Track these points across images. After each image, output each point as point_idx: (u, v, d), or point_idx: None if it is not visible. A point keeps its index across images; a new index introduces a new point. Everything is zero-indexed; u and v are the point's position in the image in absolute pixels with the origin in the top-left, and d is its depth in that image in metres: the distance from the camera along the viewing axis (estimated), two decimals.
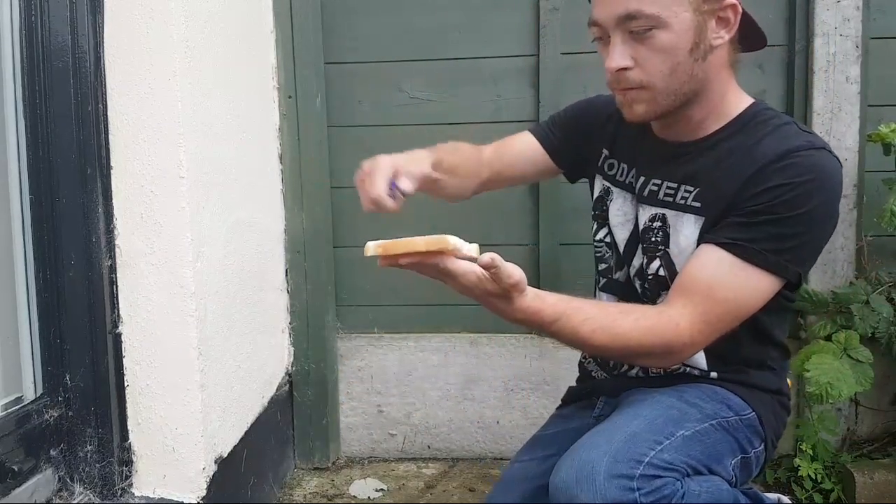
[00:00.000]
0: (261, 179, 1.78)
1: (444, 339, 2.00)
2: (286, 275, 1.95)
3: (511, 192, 1.96)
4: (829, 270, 1.85)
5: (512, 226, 1.97)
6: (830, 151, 1.07)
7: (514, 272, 0.92)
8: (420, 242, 0.89)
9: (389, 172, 1.13)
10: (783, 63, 1.86)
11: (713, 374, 1.18)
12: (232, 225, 1.54)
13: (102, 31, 1.26)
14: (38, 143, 1.25)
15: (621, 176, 1.27)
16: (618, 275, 1.26)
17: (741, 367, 1.17)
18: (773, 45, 1.86)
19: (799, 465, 1.74)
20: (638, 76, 1.07)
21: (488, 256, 0.89)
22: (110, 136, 1.29)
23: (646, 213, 1.19)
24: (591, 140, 1.34)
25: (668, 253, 1.16)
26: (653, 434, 1.03)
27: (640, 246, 1.21)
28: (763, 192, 1.04)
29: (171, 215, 1.31)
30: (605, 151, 1.31)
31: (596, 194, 1.33)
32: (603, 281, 1.31)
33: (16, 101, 1.23)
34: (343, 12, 1.93)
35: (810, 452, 1.75)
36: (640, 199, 1.20)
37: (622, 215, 1.26)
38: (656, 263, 1.17)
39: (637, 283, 1.22)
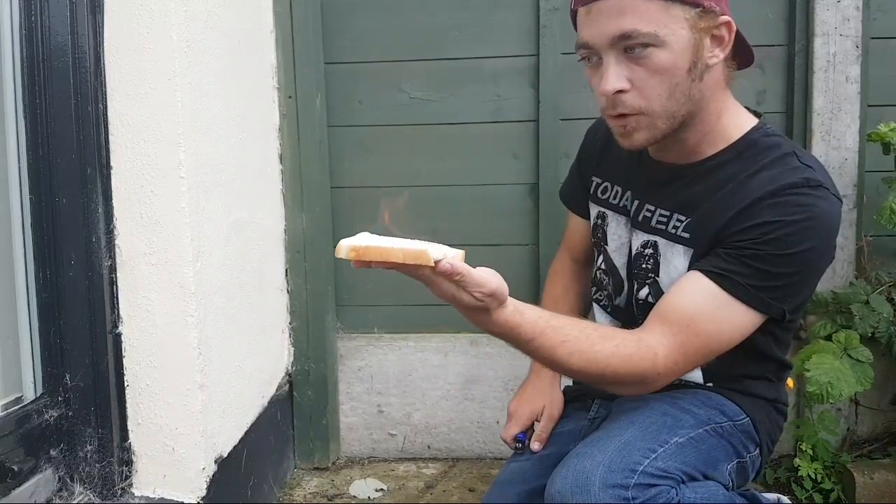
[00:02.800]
0: (261, 179, 1.78)
1: (444, 339, 2.00)
2: (286, 275, 1.95)
3: (511, 192, 1.96)
4: (829, 270, 1.85)
5: (512, 226, 1.97)
6: (829, 189, 1.02)
7: (487, 282, 0.87)
8: (398, 253, 0.83)
9: (526, 423, 1.33)
10: (783, 63, 1.86)
11: (709, 385, 1.18)
12: (232, 225, 1.54)
13: (102, 31, 1.26)
14: (38, 143, 1.25)
15: (615, 199, 1.24)
16: (618, 300, 1.24)
17: (739, 379, 1.17)
18: (773, 45, 1.86)
19: (799, 465, 1.74)
20: (635, 100, 1.01)
21: (447, 264, 0.83)
22: (110, 136, 1.29)
23: (639, 238, 1.17)
24: (585, 175, 1.34)
25: (657, 281, 1.13)
26: (647, 442, 1.03)
27: (636, 272, 1.19)
28: (751, 228, 1.00)
29: (171, 215, 1.31)
30: (596, 179, 1.30)
31: (592, 222, 1.31)
32: (607, 305, 1.29)
33: (16, 100, 1.23)
34: (343, 12, 1.93)
35: (810, 452, 1.74)
36: (635, 223, 1.18)
37: (617, 239, 1.24)
38: (645, 291, 1.16)
39: (635, 309, 1.20)
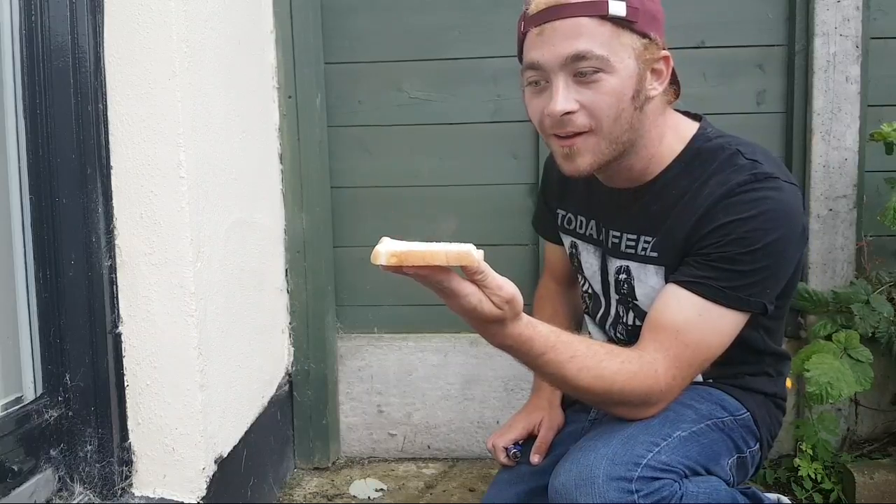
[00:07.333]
0: (261, 179, 1.78)
1: (444, 339, 2.00)
2: (286, 275, 1.95)
3: (511, 192, 1.96)
4: (829, 270, 1.85)
5: (512, 226, 1.97)
6: (780, 177, 1.03)
7: (506, 284, 0.87)
8: (440, 255, 0.79)
9: (517, 434, 1.30)
10: (783, 63, 1.86)
11: (709, 381, 1.19)
12: (232, 225, 1.54)
13: (102, 31, 1.26)
14: (38, 143, 1.25)
15: (581, 228, 1.27)
16: (608, 324, 1.26)
17: (738, 376, 1.18)
18: (773, 45, 1.86)
19: (799, 465, 1.73)
20: (584, 119, 1.02)
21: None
22: (110, 136, 1.29)
23: (613, 265, 1.19)
24: (551, 207, 1.36)
25: (637, 304, 1.16)
26: (650, 436, 1.03)
27: (616, 297, 1.21)
28: (712, 233, 1.02)
29: (171, 215, 1.31)
30: (561, 212, 1.33)
31: (567, 251, 1.34)
32: (598, 327, 1.31)
33: (16, 100, 1.23)
34: (343, 12, 1.93)
35: (810, 452, 1.74)
36: (607, 251, 1.20)
37: (590, 267, 1.26)
38: (631, 314, 1.18)
39: (621, 332, 1.22)
